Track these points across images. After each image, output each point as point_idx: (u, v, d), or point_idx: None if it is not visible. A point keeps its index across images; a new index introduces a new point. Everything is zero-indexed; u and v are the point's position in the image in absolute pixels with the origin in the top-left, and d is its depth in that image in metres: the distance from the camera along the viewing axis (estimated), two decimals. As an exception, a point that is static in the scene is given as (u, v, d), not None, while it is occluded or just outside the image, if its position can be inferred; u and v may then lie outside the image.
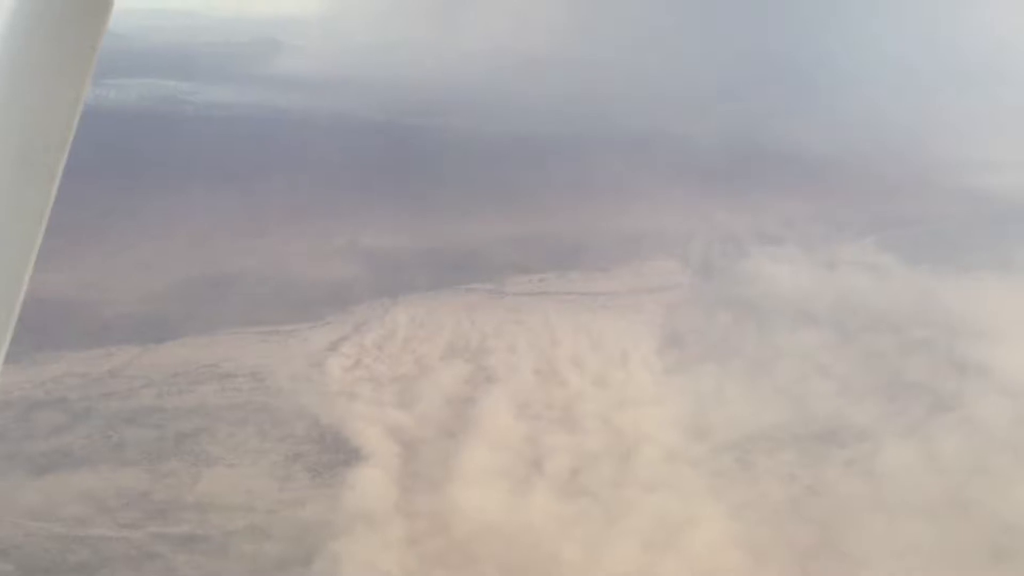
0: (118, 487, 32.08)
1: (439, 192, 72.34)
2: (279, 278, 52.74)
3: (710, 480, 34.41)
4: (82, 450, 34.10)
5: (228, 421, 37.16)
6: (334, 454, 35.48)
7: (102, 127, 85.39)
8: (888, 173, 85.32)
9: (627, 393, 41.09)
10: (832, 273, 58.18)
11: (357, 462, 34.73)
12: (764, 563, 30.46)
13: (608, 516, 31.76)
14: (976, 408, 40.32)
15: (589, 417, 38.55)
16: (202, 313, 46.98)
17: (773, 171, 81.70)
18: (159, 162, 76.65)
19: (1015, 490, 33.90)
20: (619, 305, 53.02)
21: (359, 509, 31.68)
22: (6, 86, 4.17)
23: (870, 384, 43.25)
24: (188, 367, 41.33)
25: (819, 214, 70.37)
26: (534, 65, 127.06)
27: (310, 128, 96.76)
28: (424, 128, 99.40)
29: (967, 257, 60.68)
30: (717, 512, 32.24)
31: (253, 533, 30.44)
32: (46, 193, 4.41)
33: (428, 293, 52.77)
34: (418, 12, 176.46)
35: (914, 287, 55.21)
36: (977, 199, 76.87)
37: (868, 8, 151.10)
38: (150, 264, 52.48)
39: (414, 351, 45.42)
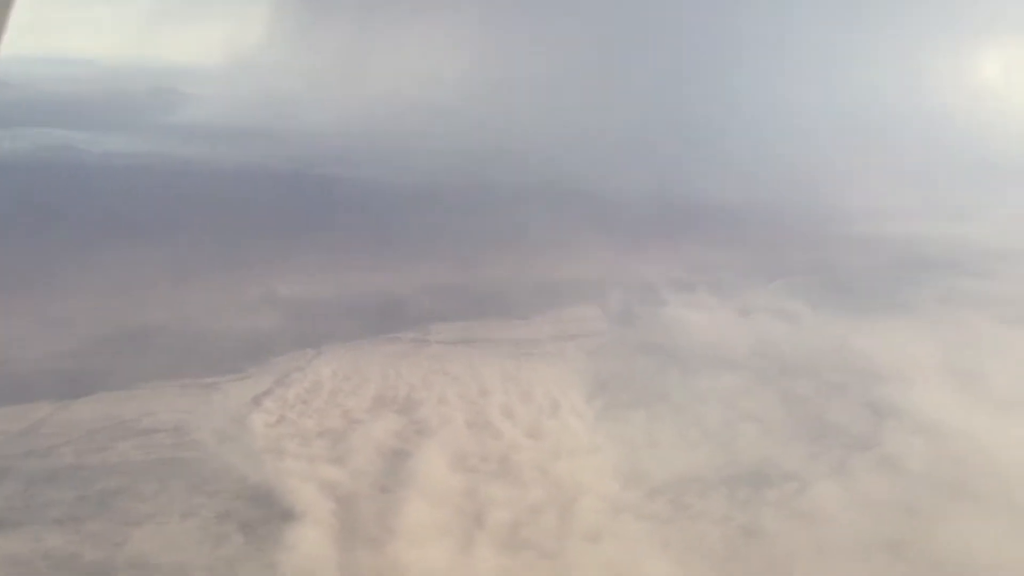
0: (45, 550, 30.33)
1: (354, 242, 71.91)
2: (195, 330, 51.20)
3: (650, 526, 34.59)
4: (2, 512, 32.20)
5: (152, 478, 35.58)
6: (267, 510, 34.23)
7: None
8: (790, 222, 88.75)
9: (561, 442, 41.07)
10: (746, 319, 59.87)
11: (292, 520, 33.47)
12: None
13: (554, 568, 31.51)
14: (893, 447, 41.86)
15: (526, 468, 38.32)
16: (118, 368, 45.09)
17: (681, 221, 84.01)
18: (61, 213, 74.04)
19: (938, 527, 35.10)
20: (542, 352, 53.20)
21: (298, 569, 30.69)
22: None
23: (792, 426, 44.39)
24: (106, 423, 39.46)
25: (728, 262, 72.61)
26: (442, 115, 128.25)
27: (217, 178, 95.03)
28: (333, 178, 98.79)
29: (869, 301, 63.59)
30: (660, 557, 32.38)
31: (191, 597, 29.15)
32: None
33: (350, 343, 51.92)
34: (319, 62, 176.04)
35: (824, 332, 57.31)
36: (874, 245, 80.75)
37: (769, 66, 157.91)
38: (62, 319, 50.22)
39: (340, 404, 44.35)
